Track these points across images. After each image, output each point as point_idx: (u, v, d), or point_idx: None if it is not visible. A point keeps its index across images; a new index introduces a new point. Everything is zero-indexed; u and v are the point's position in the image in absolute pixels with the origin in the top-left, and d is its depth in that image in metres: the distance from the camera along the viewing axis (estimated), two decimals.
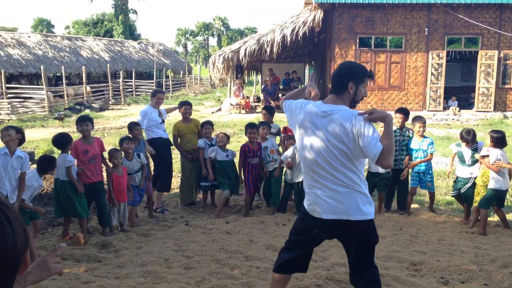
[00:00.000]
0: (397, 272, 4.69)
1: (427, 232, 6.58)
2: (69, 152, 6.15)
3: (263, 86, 23.01)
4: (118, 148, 7.00)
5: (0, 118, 19.54)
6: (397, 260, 5.14)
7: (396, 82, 20.21)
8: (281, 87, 22.83)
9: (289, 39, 20.08)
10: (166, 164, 7.96)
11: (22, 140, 5.52)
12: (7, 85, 22.33)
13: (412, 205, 7.80)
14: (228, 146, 8.11)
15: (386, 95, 20.25)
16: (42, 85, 22.91)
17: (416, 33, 19.77)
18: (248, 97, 23.03)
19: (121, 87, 28.48)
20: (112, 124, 18.50)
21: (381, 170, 7.37)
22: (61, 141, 6.14)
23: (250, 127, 7.66)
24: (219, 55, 21.73)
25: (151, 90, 29.27)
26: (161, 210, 7.84)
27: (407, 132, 7.49)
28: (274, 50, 20.36)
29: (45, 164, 5.85)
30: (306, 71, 30.84)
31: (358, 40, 19.98)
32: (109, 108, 25.15)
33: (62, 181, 6.07)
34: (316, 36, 23.13)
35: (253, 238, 6.11)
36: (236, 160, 7.98)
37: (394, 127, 7.39)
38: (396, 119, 7.40)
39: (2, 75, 22.06)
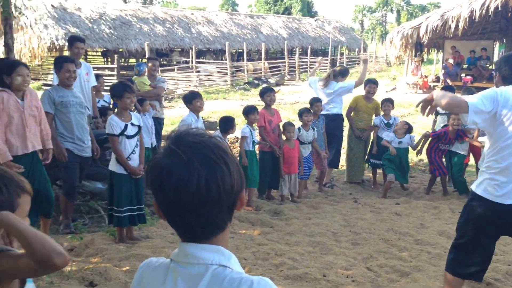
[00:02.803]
0: None
1: None
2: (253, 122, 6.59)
3: (443, 65, 21.53)
4: (292, 122, 7.28)
5: (190, 89, 21.59)
6: None
7: None
8: (465, 66, 21.09)
9: (477, 14, 18.34)
10: (337, 141, 8.03)
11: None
12: (196, 60, 24.50)
13: None
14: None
15: None
16: (226, 60, 24.64)
17: None
18: (426, 77, 21.80)
19: (296, 64, 29.21)
20: (286, 99, 19.14)
21: None
22: (247, 109, 6.59)
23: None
24: (398, 31, 20.87)
25: (326, 67, 29.33)
26: (330, 185, 7.96)
27: None
28: (460, 26, 18.81)
29: (225, 125, 6.26)
30: (496, 49, 27.93)
31: None
32: (284, 83, 26.01)
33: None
34: (510, 10, 20.73)
35: (424, 222, 5.89)
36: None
37: None
38: None
39: (193, 51, 24.26)
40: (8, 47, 7.65)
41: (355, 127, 7.87)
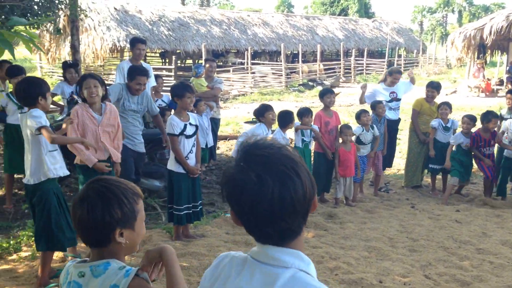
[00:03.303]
0: None
1: None
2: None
3: (508, 67, 20.60)
4: (349, 124, 7.19)
5: (244, 90, 21.76)
6: None
7: None
8: None
9: None
10: (394, 143, 7.87)
11: None
12: (251, 61, 24.66)
13: None
14: None
15: None
16: (281, 61, 24.65)
17: None
18: (489, 79, 20.95)
19: (352, 65, 28.83)
20: (341, 101, 18.90)
21: None
22: (301, 111, 6.60)
23: (495, 117, 6.99)
24: (460, 32, 20.20)
25: (382, 69, 28.72)
26: (385, 189, 7.80)
27: None
28: None
29: (283, 119, 6.15)
30: None
31: None
32: (339, 85, 25.71)
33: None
34: None
35: (486, 231, 5.66)
36: None
37: None
38: None
39: (249, 52, 24.43)
40: (75, 48, 8.01)
41: (420, 131, 7.67)
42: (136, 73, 5.40)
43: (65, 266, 1.75)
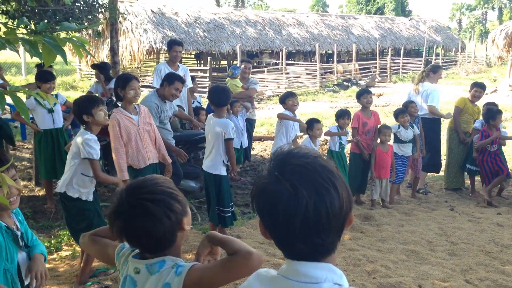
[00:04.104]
0: None
1: None
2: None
3: None
4: (388, 125, 7.09)
5: (278, 91, 21.72)
6: None
7: None
8: None
9: None
10: (435, 144, 7.66)
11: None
12: (286, 62, 24.62)
13: None
14: None
15: None
16: (315, 62, 24.49)
17: None
18: None
19: (388, 65, 28.37)
20: (376, 102, 18.64)
21: None
22: (339, 113, 6.65)
23: (500, 113, 7.03)
24: (501, 30, 19.66)
25: (419, 69, 28.17)
26: (424, 191, 7.64)
27: None
28: None
29: (308, 124, 6.24)
30: None
31: None
32: (375, 85, 25.36)
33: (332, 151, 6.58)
34: None
35: None
36: None
37: None
38: None
39: (283, 52, 24.39)
40: (114, 50, 8.18)
41: (461, 129, 7.49)
42: (175, 78, 5.41)
43: (122, 251, 1.74)
